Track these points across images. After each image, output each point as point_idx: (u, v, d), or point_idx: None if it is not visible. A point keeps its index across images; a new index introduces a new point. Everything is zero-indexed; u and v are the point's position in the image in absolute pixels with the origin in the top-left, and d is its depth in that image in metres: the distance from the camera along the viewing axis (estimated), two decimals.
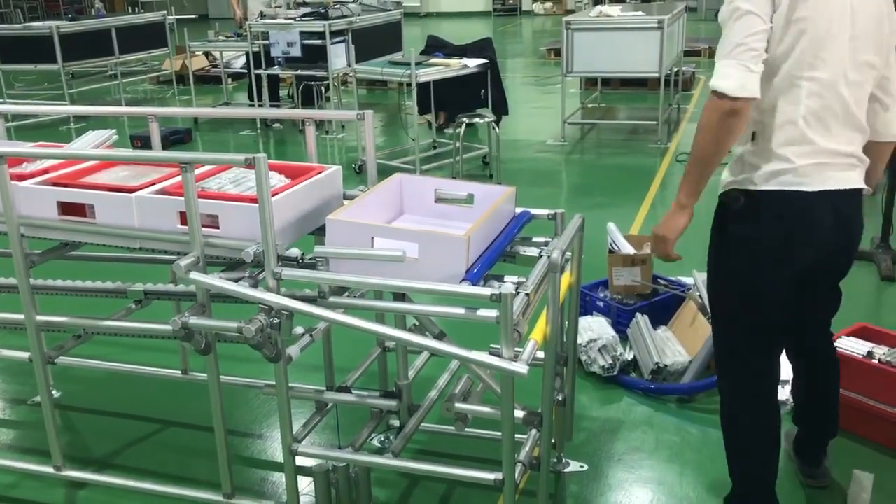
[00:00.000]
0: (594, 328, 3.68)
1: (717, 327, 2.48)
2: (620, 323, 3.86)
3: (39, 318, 2.69)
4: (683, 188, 2.26)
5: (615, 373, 3.56)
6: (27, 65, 10.08)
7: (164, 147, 7.10)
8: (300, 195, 2.50)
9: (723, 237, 2.34)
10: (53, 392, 3.54)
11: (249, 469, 3.06)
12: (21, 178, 2.61)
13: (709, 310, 2.65)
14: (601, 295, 4.08)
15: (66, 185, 2.57)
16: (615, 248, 4.17)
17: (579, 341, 3.56)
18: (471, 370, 2.42)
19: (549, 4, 22.35)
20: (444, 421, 3.03)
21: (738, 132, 2.14)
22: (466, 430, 2.70)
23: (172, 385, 3.60)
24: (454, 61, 7.12)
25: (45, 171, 2.70)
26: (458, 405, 2.29)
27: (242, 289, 2.22)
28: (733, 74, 2.07)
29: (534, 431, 2.50)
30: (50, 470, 2.88)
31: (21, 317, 2.68)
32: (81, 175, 2.70)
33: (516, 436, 2.29)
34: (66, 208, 2.52)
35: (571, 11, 18.73)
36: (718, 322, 2.47)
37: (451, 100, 7.75)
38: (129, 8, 17.13)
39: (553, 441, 2.84)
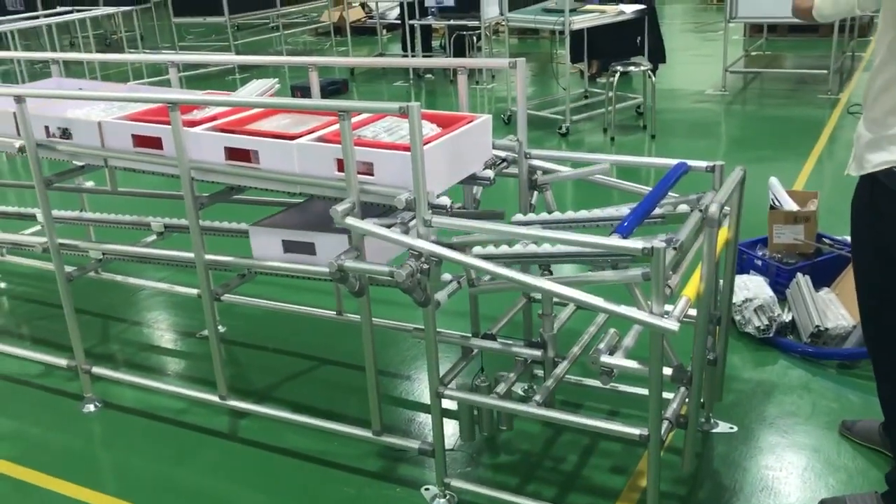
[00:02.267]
0: (750, 287, 3.53)
1: (863, 302, 2.34)
2: (779, 283, 3.68)
3: (208, 257, 2.87)
4: None
5: (771, 334, 3.41)
6: (197, 17, 10.64)
7: (323, 97, 7.34)
8: (451, 144, 2.52)
9: (875, 215, 2.18)
10: (219, 327, 3.78)
11: (397, 409, 3.18)
12: (192, 124, 2.76)
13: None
14: (760, 253, 3.90)
15: (232, 132, 2.70)
16: (777, 204, 3.96)
17: (734, 300, 3.43)
18: (618, 325, 2.38)
19: None
20: (589, 374, 3.01)
21: None
22: (612, 384, 2.70)
23: (327, 325, 3.77)
24: (610, 7, 6.90)
25: (213, 118, 2.85)
26: (604, 358, 2.26)
27: (394, 234, 2.28)
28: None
29: (682, 389, 2.44)
30: (216, 399, 3.09)
31: (191, 255, 2.87)
32: (247, 122, 2.83)
33: (664, 393, 2.25)
34: (233, 154, 2.66)
35: None
36: (865, 296, 2.33)
37: (604, 48, 7.54)
38: None
39: (702, 400, 2.76)
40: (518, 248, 2.35)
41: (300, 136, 2.58)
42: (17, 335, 4.05)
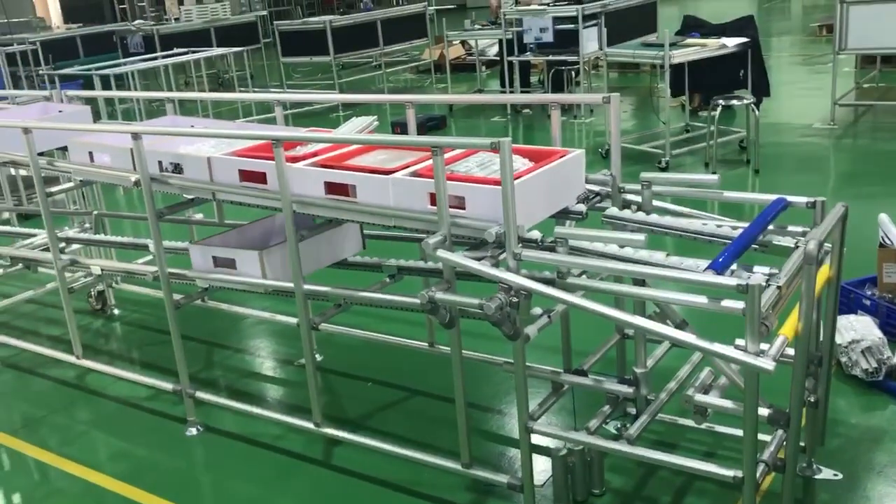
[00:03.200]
0: (858, 328, 3.38)
1: None
2: (889, 324, 3.51)
3: (306, 287, 2.97)
4: None
5: (880, 377, 3.25)
6: (303, 57, 11.05)
7: (421, 132, 7.50)
8: (542, 179, 2.54)
9: None
10: (316, 355, 3.89)
11: (487, 442, 3.18)
12: (294, 160, 2.88)
13: None
14: (868, 293, 3.73)
15: (332, 167, 2.80)
16: (887, 241, 3.79)
17: (840, 341, 3.30)
18: (713, 363, 2.33)
19: None
20: (683, 413, 2.94)
21: None
22: (706, 424, 2.63)
23: (419, 356, 3.81)
24: (711, 41, 6.80)
25: (314, 154, 2.96)
26: (698, 397, 2.22)
27: (484, 267, 2.31)
28: None
29: (780, 432, 2.36)
30: (311, 426, 3.17)
31: (291, 285, 2.97)
32: (346, 158, 2.93)
33: (760, 435, 2.18)
34: (332, 188, 2.75)
35: None
36: None
37: (706, 81, 7.41)
38: (395, 1, 18.14)
39: (802, 444, 2.66)
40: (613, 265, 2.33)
41: (395, 171, 2.65)
42: (128, 359, 4.27)
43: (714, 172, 6.37)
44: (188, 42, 10.91)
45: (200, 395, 3.48)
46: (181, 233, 4.35)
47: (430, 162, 2.62)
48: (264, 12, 14.60)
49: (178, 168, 3.14)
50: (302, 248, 2.92)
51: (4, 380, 4.13)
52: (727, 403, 2.20)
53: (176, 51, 10.14)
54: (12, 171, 4.16)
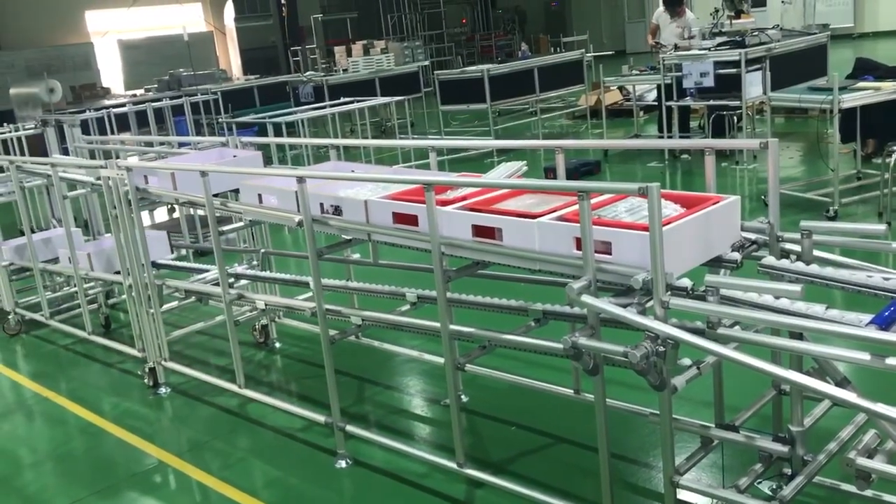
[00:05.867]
0: None
1: None
2: None
3: (452, 327, 3.03)
4: None
5: None
6: (461, 105, 11.35)
7: (574, 178, 7.49)
8: (693, 225, 2.49)
9: None
10: (462, 396, 3.93)
11: (631, 494, 3.09)
12: (444, 203, 2.97)
13: None
14: None
15: (479, 211, 2.86)
16: None
17: None
18: (878, 424, 2.18)
19: None
20: (845, 478, 2.74)
21: None
22: (870, 491, 2.45)
23: (564, 402, 3.77)
24: (886, 84, 6.41)
25: (464, 198, 3.04)
26: (861, 461, 2.08)
27: (630, 314, 2.27)
28: None
29: None
30: (454, 466, 3.20)
31: (438, 325, 3.04)
32: (494, 202, 2.99)
33: None
34: (479, 231, 2.81)
35: None
36: None
37: (881, 126, 6.99)
38: (553, 49, 18.33)
39: None
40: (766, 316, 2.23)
41: (541, 215, 2.67)
42: (286, 391, 4.49)
43: (888, 223, 5.98)
44: (354, 91, 11.47)
45: (350, 428, 3.60)
46: (339, 271, 4.55)
47: (576, 206, 2.62)
48: (426, 62, 15.12)
49: (337, 210, 3.31)
50: None
51: (175, 405, 4.44)
52: (894, 470, 2.04)
53: (343, 100, 10.68)
54: (191, 210, 4.52)
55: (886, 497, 2.67)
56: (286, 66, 20.30)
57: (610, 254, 2.45)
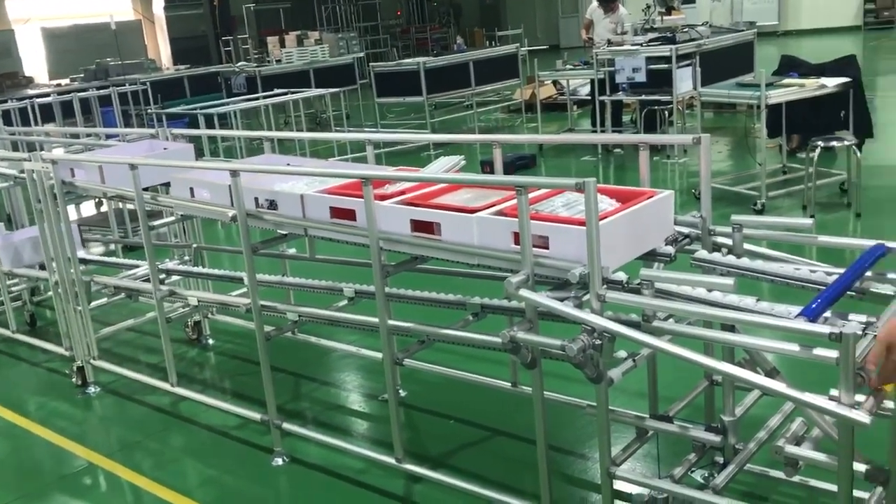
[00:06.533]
0: None
1: None
2: None
3: (391, 322, 3.01)
4: None
5: None
6: (397, 97, 11.31)
7: (511, 172, 7.52)
8: (628, 220, 2.52)
9: None
10: (400, 391, 3.92)
11: (569, 486, 3.13)
12: (383, 198, 2.95)
13: None
14: None
15: (418, 205, 2.85)
16: None
17: None
18: (805, 413, 2.24)
19: None
20: (774, 464, 2.82)
21: None
22: (798, 477, 2.52)
23: (502, 395, 3.79)
24: (810, 81, 6.62)
25: (402, 193, 3.02)
26: (789, 449, 2.13)
27: (567, 308, 2.29)
28: None
29: (878, 489, 2.24)
30: (392, 461, 3.19)
31: (376, 320, 3.02)
32: (432, 196, 2.98)
33: (857, 492, 2.08)
34: (418, 226, 2.80)
35: None
36: None
37: (805, 122, 7.21)
38: (488, 42, 18.39)
39: None
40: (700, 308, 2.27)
41: (480, 209, 2.67)
42: (220, 388, 4.40)
43: (812, 216, 6.18)
44: (288, 83, 11.31)
45: (287, 426, 3.55)
46: (274, 266, 4.48)
47: (514, 201, 2.63)
48: (361, 54, 15.02)
49: (273, 204, 3.25)
50: None
51: (105, 404, 4.32)
52: (820, 456, 2.10)
53: (276, 91, 10.53)
54: (120, 204, 4.39)
55: (812, 482, 2.77)
56: (217, 57, 19.90)
57: (548, 248, 2.46)
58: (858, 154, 6.32)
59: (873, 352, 1.92)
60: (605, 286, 2.31)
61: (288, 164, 3.99)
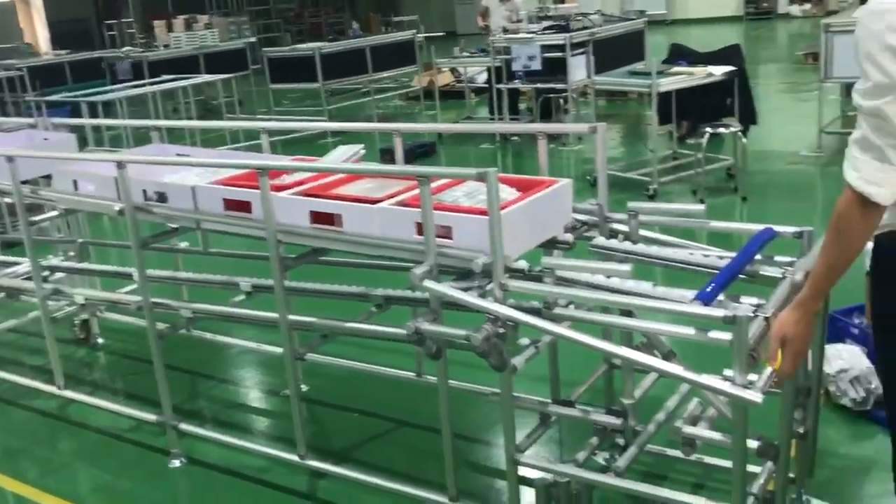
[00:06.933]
0: (846, 357, 3.37)
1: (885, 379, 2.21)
2: None
3: (291, 317, 2.94)
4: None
5: (868, 407, 3.23)
6: (292, 84, 11.07)
7: (411, 160, 7.49)
8: (529, 208, 2.53)
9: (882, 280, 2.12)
10: (302, 386, 3.83)
11: (475, 474, 3.14)
12: (280, 188, 2.86)
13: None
14: (857, 321, 3.72)
15: (317, 196, 2.78)
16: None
17: (829, 371, 3.29)
18: (701, 394, 2.31)
19: (807, 6, 20.77)
20: (672, 444, 2.91)
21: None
22: (695, 456, 2.60)
23: (407, 386, 3.77)
24: (698, 69, 6.85)
25: (300, 183, 2.94)
26: (686, 429, 2.20)
27: (470, 298, 2.28)
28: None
29: (769, 464, 2.33)
30: (295, 458, 3.12)
31: (276, 315, 2.94)
32: (332, 187, 2.92)
33: (750, 467, 2.16)
34: (317, 217, 2.73)
35: (834, 12, 17.30)
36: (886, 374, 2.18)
37: (694, 109, 7.47)
38: (384, 28, 18.26)
39: (792, 476, 2.64)
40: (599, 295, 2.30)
41: (381, 200, 2.63)
42: (112, 390, 4.21)
43: (702, 200, 6.40)
44: (177, 69, 10.92)
45: (184, 426, 3.43)
46: (166, 261, 4.30)
47: (417, 191, 2.60)
48: (253, 39, 14.63)
49: (162, 197, 3.12)
50: None
51: None
52: (716, 435, 2.18)
53: (164, 77, 10.14)
54: None
55: (709, 460, 2.86)
56: (100, 41, 19.02)
57: (451, 238, 2.45)
58: (744, 140, 6.59)
59: (771, 349, 1.99)
60: (507, 275, 2.31)
61: (178, 155, 3.84)
